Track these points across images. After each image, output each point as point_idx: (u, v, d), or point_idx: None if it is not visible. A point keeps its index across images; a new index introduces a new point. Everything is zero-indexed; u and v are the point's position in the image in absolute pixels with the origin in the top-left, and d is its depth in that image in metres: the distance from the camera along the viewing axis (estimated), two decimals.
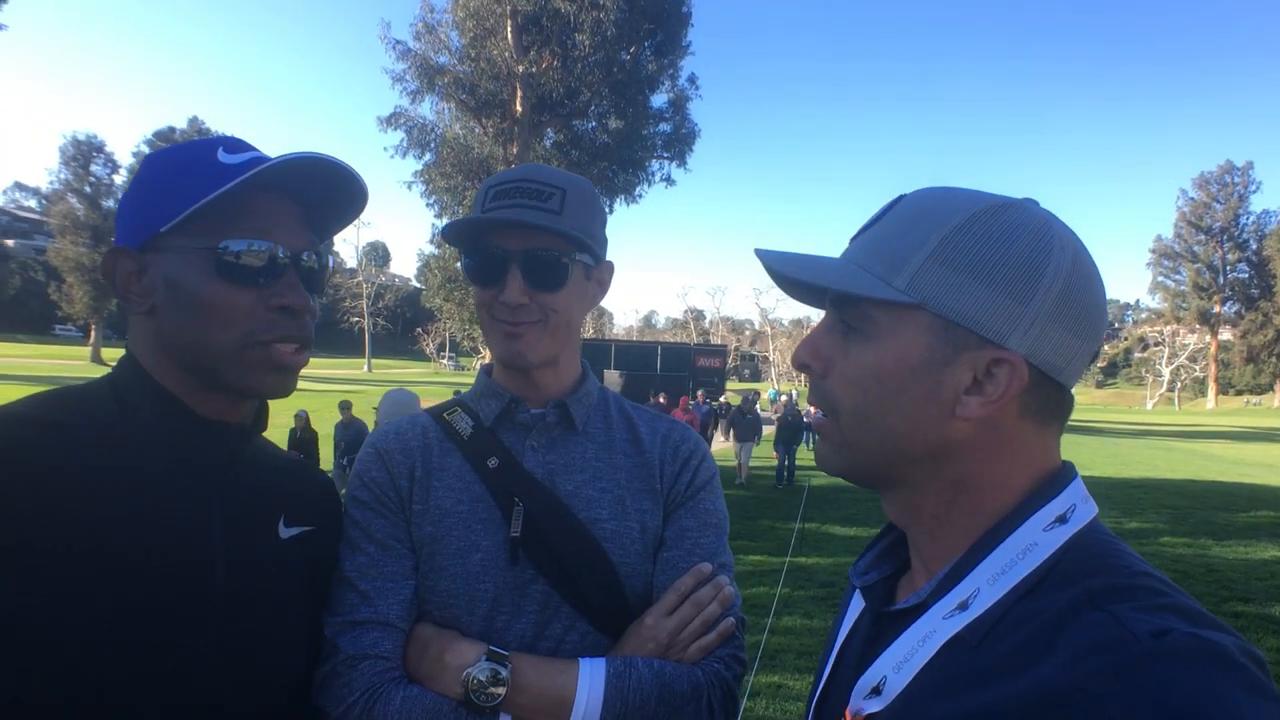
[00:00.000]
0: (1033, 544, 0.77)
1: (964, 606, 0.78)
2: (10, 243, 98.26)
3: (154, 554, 1.02)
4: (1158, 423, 54.40)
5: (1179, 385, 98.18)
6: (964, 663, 0.75)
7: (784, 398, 15.25)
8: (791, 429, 15.91)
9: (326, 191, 1.19)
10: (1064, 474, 0.83)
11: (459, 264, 1.38)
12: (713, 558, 1.34)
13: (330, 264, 1.26)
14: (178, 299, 1.09)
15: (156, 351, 1.12)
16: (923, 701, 0.77)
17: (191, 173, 1.09)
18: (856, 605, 0.98)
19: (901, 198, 0.88)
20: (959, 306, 0.79)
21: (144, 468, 1.06)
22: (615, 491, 1.34)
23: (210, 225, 1.08)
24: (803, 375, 0.91)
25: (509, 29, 23.97)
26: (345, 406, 14.03)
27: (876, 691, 0.82)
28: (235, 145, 1.15)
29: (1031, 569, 0.76)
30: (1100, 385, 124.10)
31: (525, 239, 1.27)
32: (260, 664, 1.11)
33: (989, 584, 0.77)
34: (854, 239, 0.90)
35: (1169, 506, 13.58)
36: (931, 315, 0.80)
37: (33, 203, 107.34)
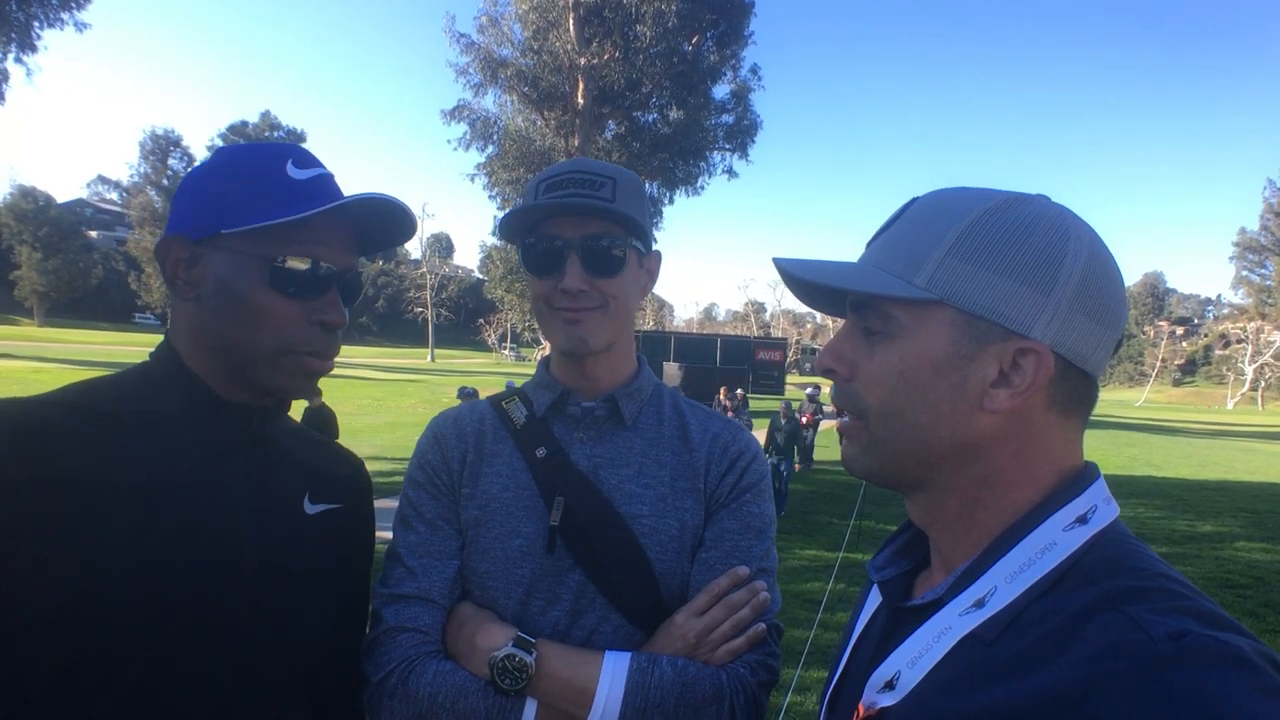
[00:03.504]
0: (1052, 543, 0.77)
1: (980, 604, 0.78)
2: (93, 234, 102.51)
3: (183, 530, 1.07)
4: (1239, 423, 52.15)
5: (1263, 384, 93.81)
6: (979, 659, 0.75)
7: (781, 404, 13.70)
8: (786, 435, 13.48)
9: (378, 217, 1.23)
10: (1086, 474, 0.83)
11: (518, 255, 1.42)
12: (752, 561, 1.33)
13: (364, 276, 1.31)
14: (226, 297, 1.14)
15: (193, 338, 1.17)
16: (936, 697, 0.77)
17: (260, 183, 1.15)
18: (873, 600, 0.99)
19: (915, 200, 0.89)
20: (981, 299, 0.79)
21: (171, 448, 1.11)
22: (658, 489, 1.35)
23: (269, 235, 1.13)
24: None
25: (571, 21, 24.11)
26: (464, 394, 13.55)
27: (890, 686, 0.82)
28: (303, 159, 1.19)
29: (1050, 568, 0.76)
30: (1177, 383, 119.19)
31: (582, 226, 1.30)
32: (288, 633, 1.16)
33: (1006, 582, 0.77)
34: (870, 243, 0.90)
35: (1247, 510, 13.10)
36: (954, 310, 0.80)
37: (114, 195, 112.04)
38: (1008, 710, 0.68)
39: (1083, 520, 0.78)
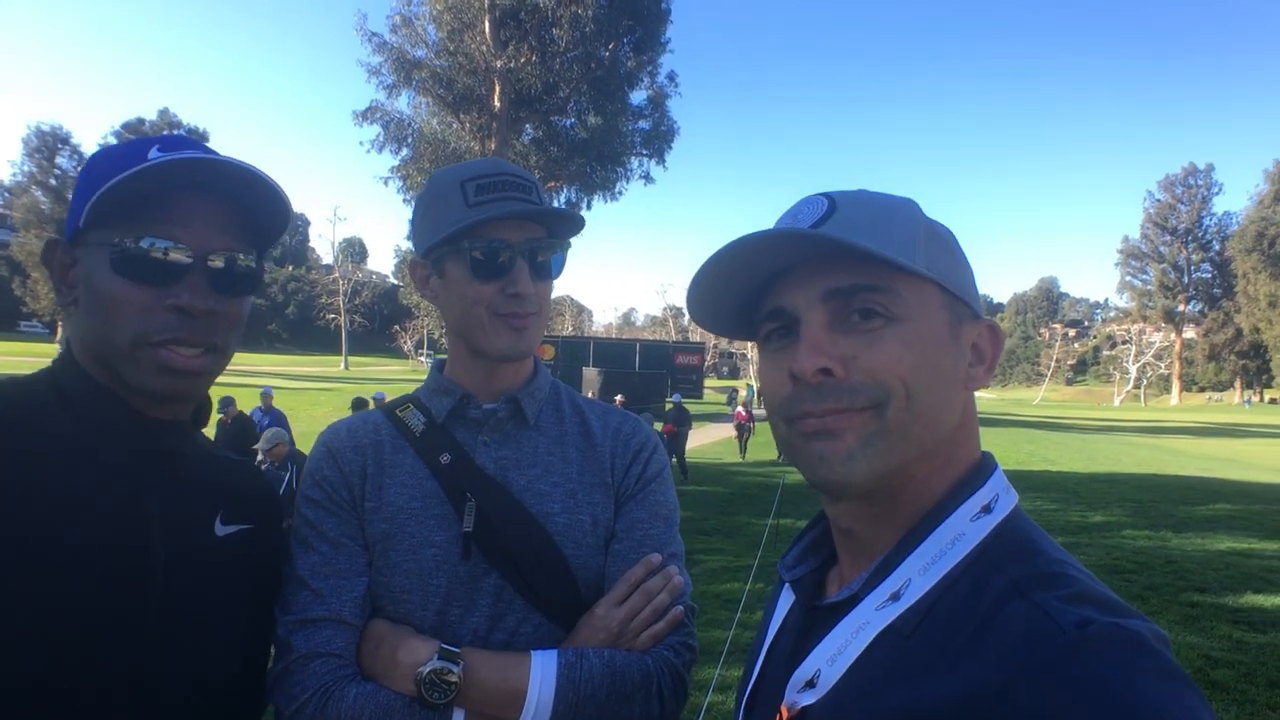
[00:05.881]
0: (961, 534, 0.79)
1: (896, 597, 0.79)
2: None
3: (91, 548, 1.01)
4: (1124, 419, 55.38)
5: (1145, 382, 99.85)
6: (898, 653, 0.76)
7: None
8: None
9: (255, 198, 1.15)
10: (986, 463, 0.86)
11: (430, 261, 1.37)
12: (663, 548, 1.36)
13: (259, 268, 1.21)
14: (88, 293, 1.09)
15: (81, 346, 1.12)
16: (858, 693, 0.77)
17: (117, 169, 1.06)
18: (786, 599, 0.99)
19: (832, 195, 0.85)
20: (957, 281, 0.84)
21: (81, 462, 1.05)
22: (567, 485, 1.36)
23: (125, 223, 1.06)
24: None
25: (487, 23, 23.91)
26: (227, 403, 12.00)
27: (811, 684, 0.82)
28: (172, 143, 1.12)
29: (960, 558, 0.78)
30: (1070, 382, 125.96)
31: (525, 231, 1.31)
32: (196, 658, 1.11)
33: (920, 574, 0.79)
34: (805, 235, 0.81)
35: (1132, 500, 13.82)
36: (941, 291, 0.83)
37: None
38: (931, 706, 0.69)
39: (987, 510, 0.81)
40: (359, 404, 11.97)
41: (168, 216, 1.08)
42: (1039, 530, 0.81)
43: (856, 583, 0.83)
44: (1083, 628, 0.65)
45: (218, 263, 1.12)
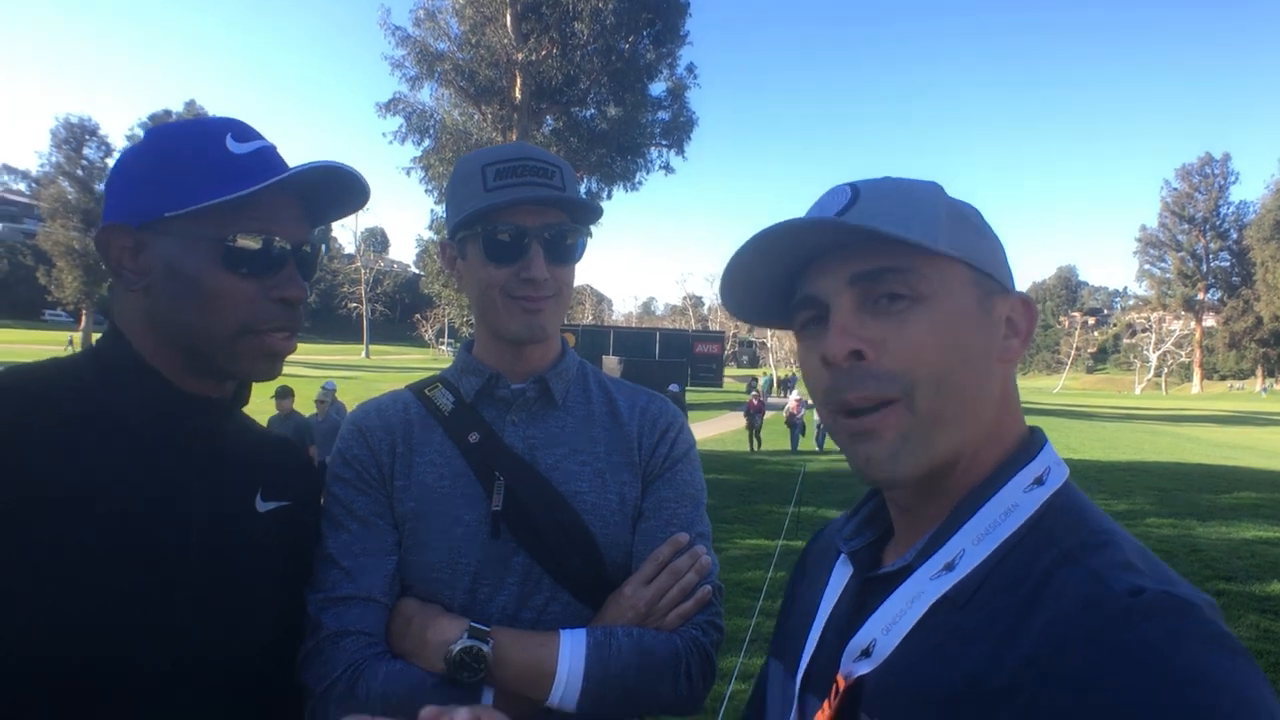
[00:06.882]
0: (1015, 505, 0.80)
1: (950, 567, 0.79)
2: None
3: (133, 522, 1.03)
4: (1145, 407, 54.60)
5: (1165, 371, 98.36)
6: (952, 622, 0.76)
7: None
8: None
9: (329, 186, 1.19)
10: (1037, 438, 0.87)
11: (455, 243, 1.39)
12: (690, 527, 1.37)
13: (324, 248, 1.25)
14: (177, 282, 1.09)
15: (145, 329, 1.12)
16: (913, 661, 0.78)
17: (201, 160, 1.09)
18: (841, 572, 0.98)
19: (856, 185, 0.87)
20: (985, 258, 0.85)
21: (124, 439, 1.07)
22: (595, 464, 1.36)
23: (216, 214, 1.08)
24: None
25: (508, 16, 24.01)
26: (284, 394, 11.06)
27: (866, 654, 0.82)
28: (242, 132, 1.14)
29: (1014, 529, 0.79)
30: (1090, 371, 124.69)
31: (542, 215, 1.31)
32: (233, 629, 1.12)
33: (974, 544, 0.79)
34: (827, 223, 0.83)
35: (1155, 488, 13.73)
36: (968, 269, 0.83)
37: (22, 186, 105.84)
38: (986, 673, 0.70)
39: (1040, 481, 0.82)
40: (284, 392, 10.90)
41: (261, 212, 1.11)
42: (1090, 502, 0.82)
43: (910, 553, 0.84)
44: (1136, 594, 0.65)
45: (307, 252, 1.19)
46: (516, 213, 1.30)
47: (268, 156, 1.14)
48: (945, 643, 0.76)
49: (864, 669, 0.82)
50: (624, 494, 1.36)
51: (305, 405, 11.92)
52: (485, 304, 1.35)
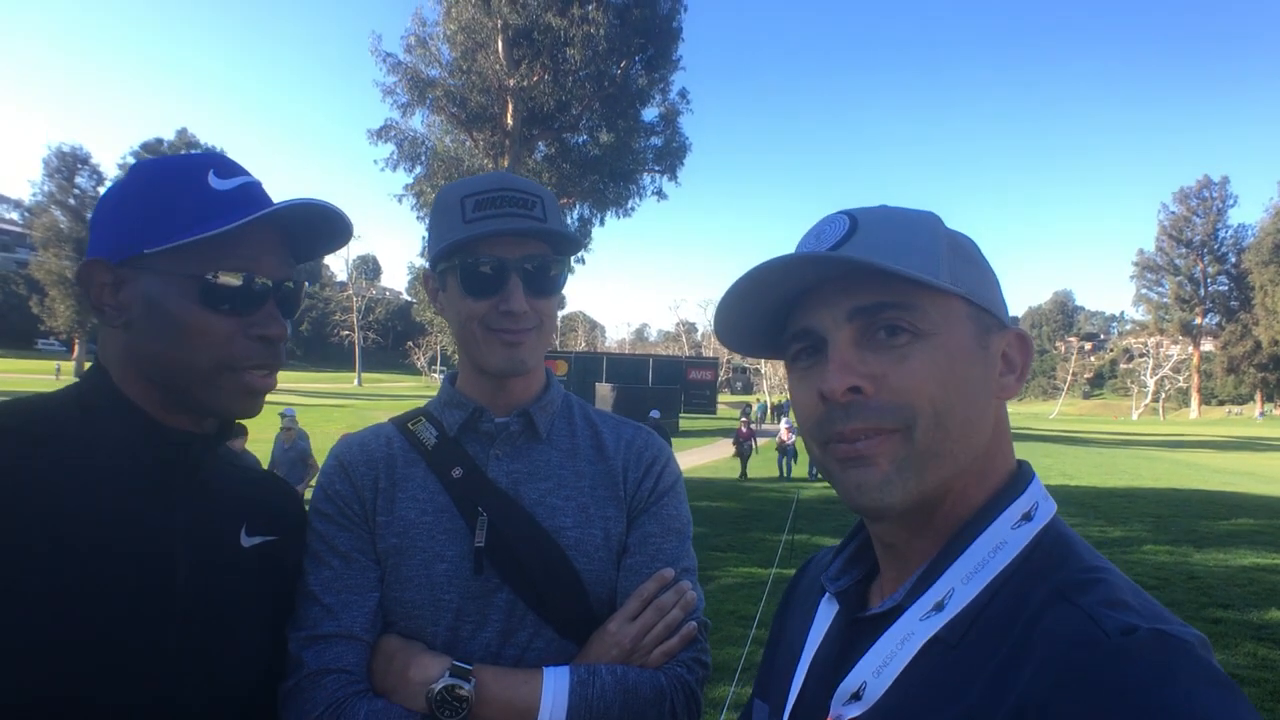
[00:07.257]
0: (1003, 542, 0.79)
1: (940, 607, 0.79)
2: None
3: (117, 558, 1.03)
4: (1142, 432, 54.89)
5: (1163, 396, 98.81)
6: (945, 664, 0.76)
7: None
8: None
9: (312, 222, 1.19)
10: (1024, 471, 0.87)
11: (436, 275, 1.38)
12: (675, 562, 1.35)
13: (306, 284, 1.27)
14: (157, 319, 1.09)
15: (126, 365, 1.13)
16: (905, 704, 0.77)
17: (183, 198, 1.10)
18: (826, 611, 0.97)
19: (853, 212, 0.86)
20: (982, 292, 0.85)
21: (108, 475, 1.07)
22: (579, 499, 1.35)
23: (197, 250, 1.08)
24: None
25: (500, 43, 24.19)
26: (287, 417, 11.26)
27: (857, 697, 0.81)
28: (225, 168, 1.14)
29: (1003, 566, 0.78)
30: (1087, 396, 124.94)
31: (521, 247, 1.30)
32: (217, 668, 1.11)
33: (963, 583, 0.79)
34: (830, 259, 0.82)
35: (1152, 515, 13.72)
36: (967, 304, 0.83)
37: (15, 215, 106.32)
38: (978, 715, 0.69)
39: (1028, 517, 0.81)
40: (290, 421, 11.25)
41: (243, 249, 1.11)
42: (1078, 538, 0.82)
43: (899, 593, 0.83)
44: (1128, 634, 0.65)
45: (289, 288, 1.19)
46: (495, 244, 1.29)
47: (251, 192, 1.14)
48: (939, 685, 0.75)
49: (854, 712, 0.81)
50: (609, 529, 1.35)
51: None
52: (466, 336, 1.34)
